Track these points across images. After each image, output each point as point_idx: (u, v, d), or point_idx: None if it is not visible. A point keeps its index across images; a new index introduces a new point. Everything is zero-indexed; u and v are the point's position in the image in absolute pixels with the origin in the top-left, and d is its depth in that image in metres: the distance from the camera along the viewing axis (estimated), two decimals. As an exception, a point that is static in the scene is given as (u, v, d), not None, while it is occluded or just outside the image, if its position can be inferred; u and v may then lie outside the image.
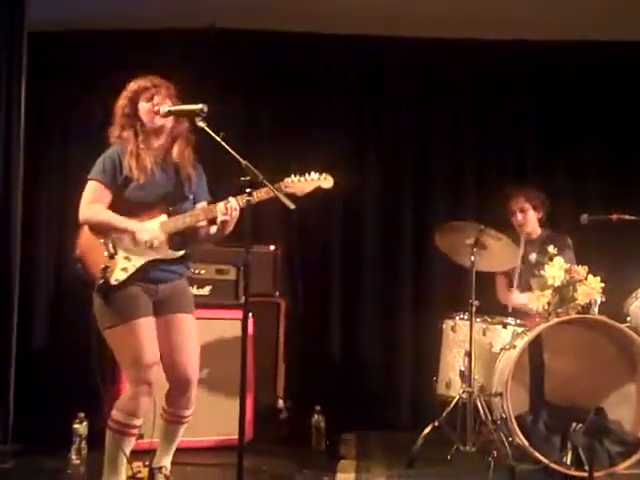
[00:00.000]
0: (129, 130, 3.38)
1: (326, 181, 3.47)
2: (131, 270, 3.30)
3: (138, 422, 3.32)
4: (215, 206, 3.33)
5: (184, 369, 3.44)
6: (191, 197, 3.46)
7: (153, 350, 3.33)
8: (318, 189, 3.46)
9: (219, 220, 3.32)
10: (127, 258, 3.31)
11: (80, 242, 3.35)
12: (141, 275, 3.32)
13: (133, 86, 3.40)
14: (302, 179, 3.41)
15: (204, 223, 3.43)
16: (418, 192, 5.53)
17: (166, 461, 3.55)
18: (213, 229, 3.44)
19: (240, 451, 3.05)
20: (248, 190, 3.08)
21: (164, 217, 3.36)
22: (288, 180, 3.40)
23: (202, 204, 3.48)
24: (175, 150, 3.44)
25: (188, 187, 3.46)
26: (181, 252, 3.40)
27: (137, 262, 3.32)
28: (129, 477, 3.51)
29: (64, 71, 5.34)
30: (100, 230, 3.33)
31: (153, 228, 3.33)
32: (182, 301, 3.47)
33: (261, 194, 3.22)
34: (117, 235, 3.31)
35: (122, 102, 3.40)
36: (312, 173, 3.44)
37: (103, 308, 3.29)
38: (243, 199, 3.18)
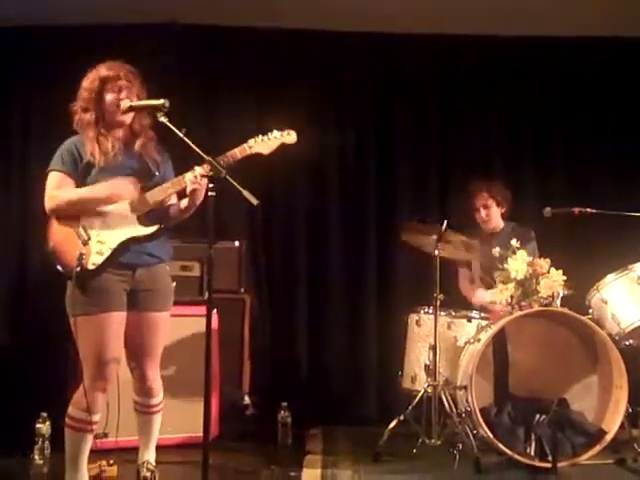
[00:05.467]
0: (91, 114, 3.34)
1: (289, 136, 3.49)
2: (107, 252, 3.27)
3: (94, 418, 3.28)
4: (183, 176, 3.32)
5: (142, 366, 3.47)
6: (158, 174, 3.43)
7: (116, 346, 3.32)
8: (282, 145, 3.47)
9: (189, 189, 3.29)
10: (100, 242, 3.27)
11: (52, 235, 3.31)
12: (116, 259, 3.28)
13: (103, 72, 3.35)
14: (265, 138, 3.43)
15: (174, 200, 3.44)
16: (382, 188, 5.53)
17: (148, 455, 3.55)
18: (184, 202, 3.42)
19: (205, 448, 3.04)
20: (211, 185, 3.07)
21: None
22: (251, 141, 3.40)
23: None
24: (137, 144, 3.43)
25: (155, 166, 3.44)
26: (154, 227, 3.36)
27: (112, 244, 3.28)
28: (94, 476, 3.49)
29: (24, 66, 5.26)
30: (72, 212, 3.28)
31: (127, 187, 3.31)
32: (159, 297, 3.45)
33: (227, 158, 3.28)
34: (89, 221, 3.27)
35: (89, 85, 3.35)
36: (275, 131, 3.46)
37: (77, 296, 3.23)
38: (208, 168, 3.15)
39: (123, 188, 3.32)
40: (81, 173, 3.32)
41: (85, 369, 3.30)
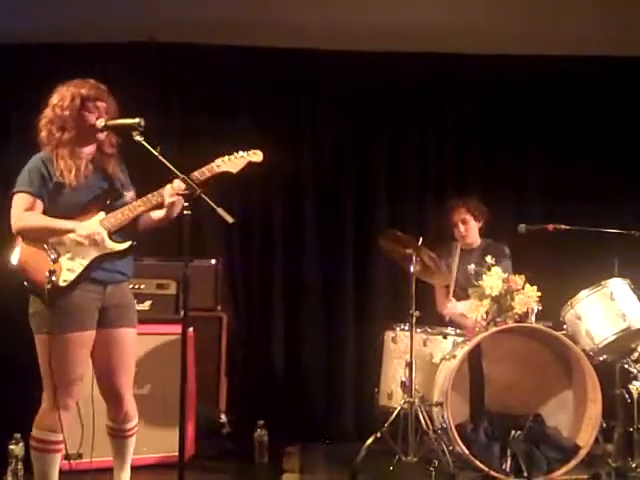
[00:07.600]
0: (68, 133, 3.32)
1: (255, 155, 3.53)
2: (78, 269, 3.25)
3: (59, 437, 3.24)
4: (153, 195, 3.33)
5: (118, 386, 3.40)
6: (125, 193, 3.44)
7: (83, 366, 3.28)
8: (250, 164, 3.51)
9: (167, 202, 3.29)
10: (71, 259, 3.26)
11: (18, 252, 3.26)
12: (88, 276, 3.27)
13: (84, 91, 3.33)
14: (232, 158, 3.46)
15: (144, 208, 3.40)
16: (358, 204, 5.55)
17: (124, 477, 3.50)
18: (157, 213, 3.42)
19: (181, 468, 3.02)
20: (187, 203, 3.08)
21: (102, 214, 3.33)
22: (219, 160, 3.44)
23: (130, 194, 3.46)
24: (110, 166, 3.43)
25: (120, 184, 3.45)
26: (127, 244, 3.36)
27: (83, 260, 3.27)
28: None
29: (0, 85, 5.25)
30: (37, 236, 3.26)
31: (93, 224, 3.29)
32: (128, 313, 3.43)
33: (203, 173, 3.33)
34: (57, 239, 3.25)
35: (69, 103, 3.31)
36: (240, 152, 3.50)
37: (45, 312, 3.19)
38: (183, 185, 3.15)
39: (88, 226, 3.28)
40: (51, 194, 3.29)
41: (49, 387, 3.23)
